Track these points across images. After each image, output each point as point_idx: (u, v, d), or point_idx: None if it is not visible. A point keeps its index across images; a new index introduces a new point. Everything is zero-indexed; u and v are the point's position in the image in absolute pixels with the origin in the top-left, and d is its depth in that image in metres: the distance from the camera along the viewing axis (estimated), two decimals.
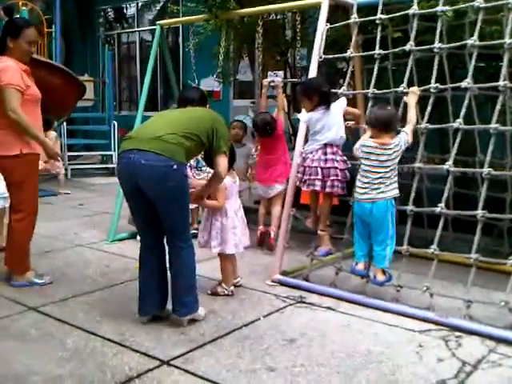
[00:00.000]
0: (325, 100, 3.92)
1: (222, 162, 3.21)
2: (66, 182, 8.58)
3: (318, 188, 3.90)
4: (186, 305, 3.19)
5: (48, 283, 3.94)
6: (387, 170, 3.51)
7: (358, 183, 3.63)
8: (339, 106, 3.98)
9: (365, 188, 3.56)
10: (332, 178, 3.85)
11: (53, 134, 4.64)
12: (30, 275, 3.94)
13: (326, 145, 3.89)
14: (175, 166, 2.98)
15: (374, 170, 3.53)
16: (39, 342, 3.00)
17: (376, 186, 3.52)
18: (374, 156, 3.53)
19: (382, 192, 3.51)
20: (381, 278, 3.58)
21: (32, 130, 3.74)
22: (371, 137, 3.61)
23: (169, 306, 3.29)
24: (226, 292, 3.73)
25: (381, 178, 3.51)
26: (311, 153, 3.93)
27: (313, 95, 3.92)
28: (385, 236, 3.53)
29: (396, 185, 3.55)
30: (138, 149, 3.04)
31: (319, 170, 3.86)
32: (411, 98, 3.64)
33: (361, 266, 3.70)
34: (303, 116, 4.07)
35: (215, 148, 3.19)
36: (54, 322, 3.29)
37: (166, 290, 3.30)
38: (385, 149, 3.51)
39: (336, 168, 3.86)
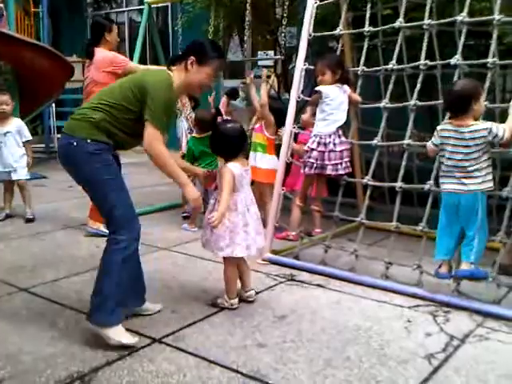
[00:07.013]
0: (345, 78, 3.88)
1: (146, 134, 2.66)
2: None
3: (341, 172, 3.80)
4: (91, 304, 2.76)
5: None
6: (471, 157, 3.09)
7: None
8: (347, 88, 3.90)
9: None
10: (346, 159, 3.82)
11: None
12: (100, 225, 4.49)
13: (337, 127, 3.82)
14: (75, 143, 2.72)
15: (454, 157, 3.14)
16: (30, 323, 3.01)
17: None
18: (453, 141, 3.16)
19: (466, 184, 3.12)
20: (465, 267, 3.16)
21: None
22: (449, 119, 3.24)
23: (149, 305, 3.12)
24: (226, 305, 3.18)
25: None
26: (330, 136, 3.79)
27: (337, 69, 3.84)
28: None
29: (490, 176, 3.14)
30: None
31: (344, 153, 3.79)
32: None
33: (444, 269, 3.32)
34: (325, 88, 3.83)
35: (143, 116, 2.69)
36: (45, 303, 3.30)
37: (139, 286, 3.05)
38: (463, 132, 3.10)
39: (348, 150, 3.86)
